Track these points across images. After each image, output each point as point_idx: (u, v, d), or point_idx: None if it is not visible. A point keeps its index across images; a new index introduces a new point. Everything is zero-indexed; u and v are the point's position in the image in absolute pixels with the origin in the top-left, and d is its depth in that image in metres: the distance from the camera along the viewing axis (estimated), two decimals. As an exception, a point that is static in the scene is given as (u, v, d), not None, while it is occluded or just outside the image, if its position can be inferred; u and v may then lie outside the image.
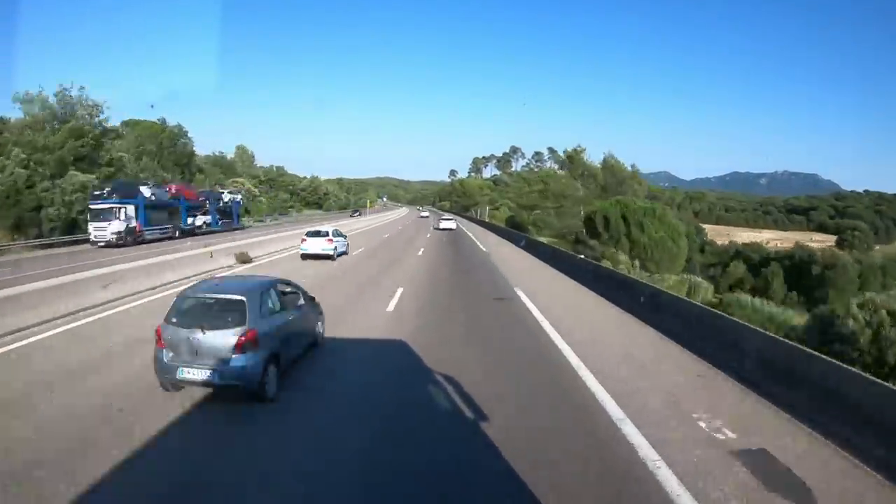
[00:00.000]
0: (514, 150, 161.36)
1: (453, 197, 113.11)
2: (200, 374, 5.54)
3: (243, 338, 5.55)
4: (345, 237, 23.30)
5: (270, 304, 6.31)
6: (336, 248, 20.10)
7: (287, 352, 6.51)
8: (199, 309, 5.82)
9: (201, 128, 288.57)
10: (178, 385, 5.87)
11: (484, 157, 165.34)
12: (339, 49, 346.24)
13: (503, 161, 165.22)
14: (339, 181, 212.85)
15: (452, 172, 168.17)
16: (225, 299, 5.85)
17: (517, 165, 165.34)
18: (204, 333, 5.57)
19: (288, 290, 7.29)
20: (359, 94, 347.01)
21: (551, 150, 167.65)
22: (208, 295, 5.98)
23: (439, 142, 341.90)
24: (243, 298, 5.80)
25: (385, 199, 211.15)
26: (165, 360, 5.65)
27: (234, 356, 5.51)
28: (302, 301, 7.40)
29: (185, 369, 5.56)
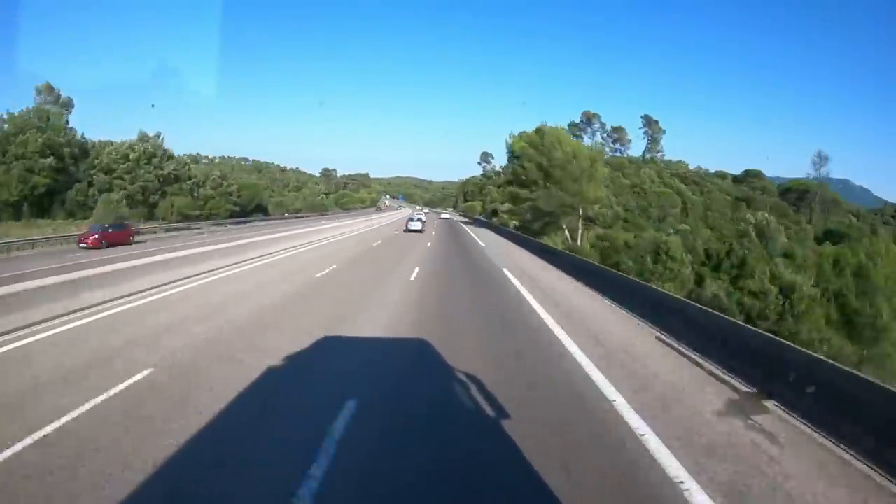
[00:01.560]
0: (589, 117, 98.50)
1: (506, 190, 49.16)
2: (413, 227, 37.49)
3: (420, 223, 38.49)
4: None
5: (423, 218, 41.71)
6: (422, 227, 38.87)
7: (425, 227, 39.52)
8: (413, 217, 40.99)
9: (215, 127, 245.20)
10: (409, 232, 37.47)
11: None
12: (348, 47, 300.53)
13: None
14: (327, 174, 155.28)
15: (486, 156, 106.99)
16: (419, 216, 41.94)
17: (586, 142, 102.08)
18: (414, 221, 38.83)
19: (423, 217, 42.85)
20: (371, 93, 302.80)
21: (648, 120, 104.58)
22: (415, 216, 43.23)
23: (459, 142, 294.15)
24: (422, 217, 42.29)
25: (388, 199, 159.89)
26: (406, 225, 38.68)
27: (420, 225, 38.19)
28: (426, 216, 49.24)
29: (411, 226, 37.76)
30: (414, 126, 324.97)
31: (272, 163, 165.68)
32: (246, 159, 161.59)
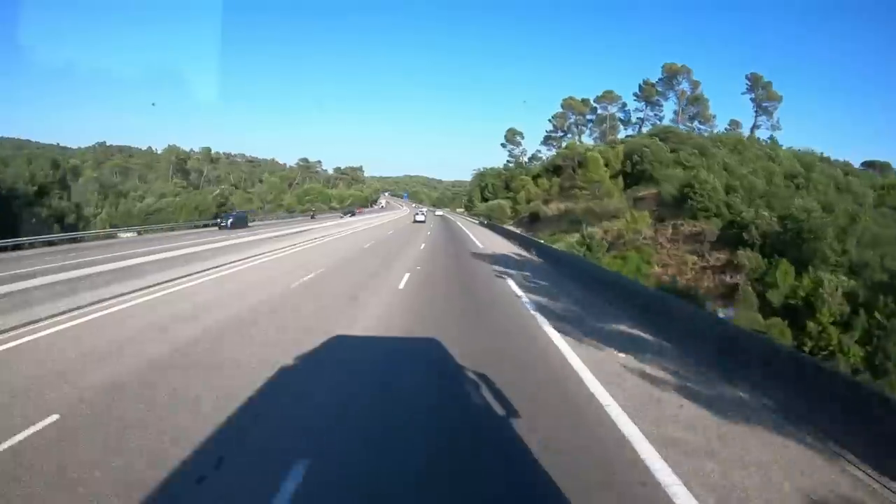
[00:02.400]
0: (673, 72, 65.27)
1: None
2: (419, 219, 49.78)
3: (423, 216, 52.50)
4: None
5: (424, 211, 63.01)
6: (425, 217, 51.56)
7: (427, 220, 52.93)
8: (418, 213, 56.06)
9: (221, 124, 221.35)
10: (416, 222, 48.72)
11: (583, 101, 70.25)
12: (352, 42, 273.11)
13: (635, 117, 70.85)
14: (307, 166, 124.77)
15: (513, 136, 74.62)
16: (422, 209, 69.60)
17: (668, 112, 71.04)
18: (418, 213, 54.80)
19: (426, 212, 65.84)
20: (378, 91, 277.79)
21: (754, 81, 71.44)
22: (419, 212, 58.01)
23: (469, 141, 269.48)
24: (424, 211, 62.57)
25: (384, 199, 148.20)
26: (412, 217, 53.05)
27: (423, 217, 51.76)
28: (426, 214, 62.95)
29: (416, 218, 50.72)
30: (422, 124, 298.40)
31: (264, 157, 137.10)
32: (243, 155, 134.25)
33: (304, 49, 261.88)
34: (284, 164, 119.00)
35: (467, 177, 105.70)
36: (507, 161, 76.84)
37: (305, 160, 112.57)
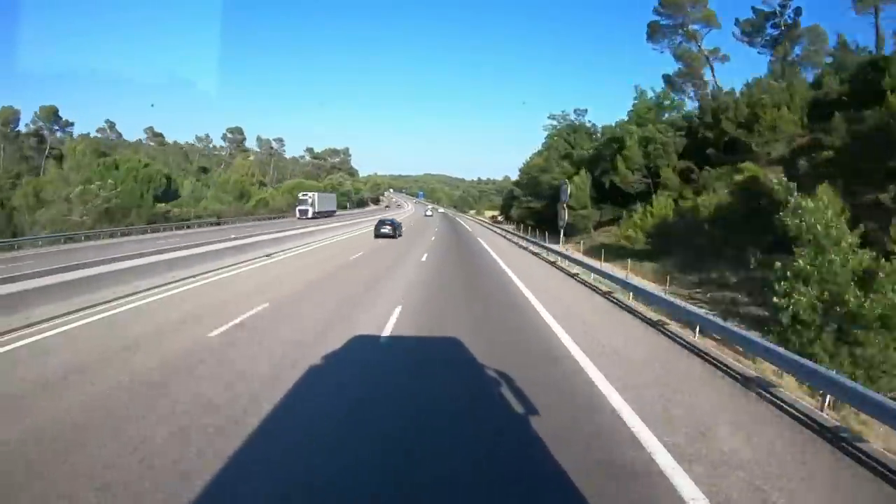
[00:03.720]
0: None
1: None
2: (428, 214, 64.44)
3: (433, 211, 71.68)
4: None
5: (430, 208, 78.81)
6: (435, 214, 57.87)
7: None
8: (427, 210, 71.69)
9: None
10: (426, 216, 61.64)
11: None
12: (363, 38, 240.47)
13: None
14: (238, 140, 79.80)
15: (678, 7, 28.48)
16: (430, 209, 77.99)
17: None
18: (427, 210, 71.85)
19: (431, 209, 76.97)
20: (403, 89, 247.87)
21: None
22: (428, 210, 74.63)
23: (497, 141, 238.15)
24: (430, 207, 79.70)
25: (391, 194, 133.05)
26: (425, 213, 65.14)
27: (431, 212, 67.86)
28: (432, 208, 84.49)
29: (427, 213, 65.39)
30: (438, 123, 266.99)
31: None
32: (151, 128, 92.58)
33: (309, 47, 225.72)
34: (177, 145, 74.13)
35: (495, 175, 64.95)
36: (663, 89, 28.58)
37: (239, 130, 66.92)
